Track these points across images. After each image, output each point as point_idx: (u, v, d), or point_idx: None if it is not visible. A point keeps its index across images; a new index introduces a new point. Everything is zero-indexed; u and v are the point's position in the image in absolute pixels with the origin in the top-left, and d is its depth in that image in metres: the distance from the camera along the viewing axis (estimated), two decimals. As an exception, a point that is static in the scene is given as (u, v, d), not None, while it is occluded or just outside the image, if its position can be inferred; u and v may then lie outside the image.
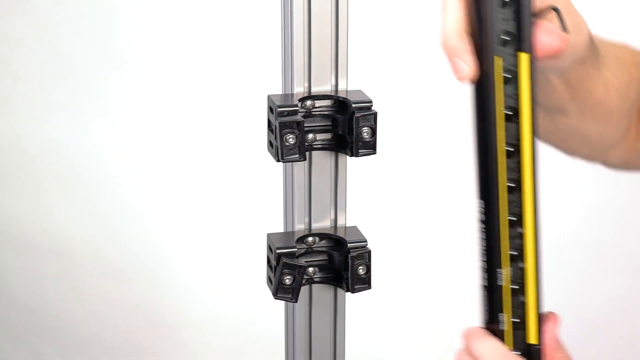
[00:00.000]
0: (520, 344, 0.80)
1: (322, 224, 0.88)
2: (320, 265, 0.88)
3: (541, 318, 0.80)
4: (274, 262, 0.85)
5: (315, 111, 0.84)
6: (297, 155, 0.81)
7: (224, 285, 2.22)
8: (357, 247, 0.86)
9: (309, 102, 0.84)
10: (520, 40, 0.75)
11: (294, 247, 0.85)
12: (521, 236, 0.78)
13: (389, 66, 1.95)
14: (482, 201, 0.78)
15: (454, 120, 1.96)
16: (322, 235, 0.87)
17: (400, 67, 1.96)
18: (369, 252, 0.86)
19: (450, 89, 1.95)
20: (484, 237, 0.79)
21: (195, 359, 2.30)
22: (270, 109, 0.83)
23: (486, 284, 0.79)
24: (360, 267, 0.86)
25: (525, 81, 0.76)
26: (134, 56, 2.17)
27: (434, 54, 1.98)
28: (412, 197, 2.01)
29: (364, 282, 0.87)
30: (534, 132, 0.77)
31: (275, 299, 0.86)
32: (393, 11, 1.90)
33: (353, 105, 0.82)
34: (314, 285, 0.88)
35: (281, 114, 0.81)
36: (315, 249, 0.88)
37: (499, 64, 0.75)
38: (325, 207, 0.87)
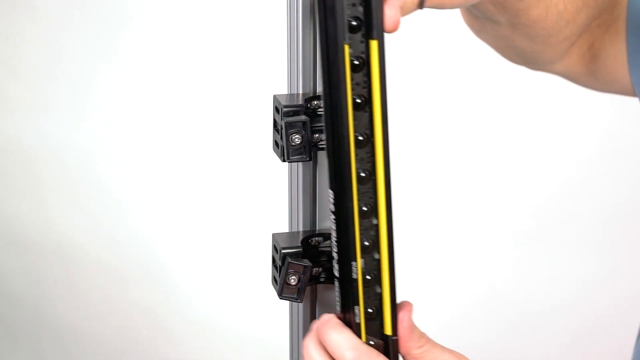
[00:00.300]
0: (376, 335, 0.78)
1: (327, 224, 0.88)
2: (326, 265, 0.88)
3: (397, 308, 0.78)
4: (279, 262, 0.85)
5: (320, 111, 0.84)
6: (303, 155, 0.81)
7: (228, 285, 2.22)
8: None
9: (315, 102, 0.84)
10: (368, 26, 0.72)
11: (299, 247, 0.85)
12: (375, 227, 0.76)
13: (393, 66, 1.95)
14: (333, 192, 0.76)
15: (459, 120, 1.96)
16: (327, 236, 0.87)
17: (404, 68, 1.95)
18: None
19: (455, 90, 1.95)
20: (336, 229, 0.76)
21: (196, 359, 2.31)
22: (276, 109, 0.83)
23: (340, 277, 0.77)
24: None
25: (376, 69, 0.73)
26: (137, 57, 2.17)
27: (440, 55, 1.98)
28: (418, 197, 2.01)
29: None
30: (386, 121, 0.74)
31: (280, 299, 0.85)
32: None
33: (359, 105, 0.82)
34: (319, 285, 0.88)
35: (287, 114, 0.81)
36: (320, 249, 0.87)
37: (347, 52, 0.72)
38: (330, 207, 0.87)
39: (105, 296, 2.34)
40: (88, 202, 2.30)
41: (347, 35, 0.72)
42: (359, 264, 0.76)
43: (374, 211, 0.76)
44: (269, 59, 1.94)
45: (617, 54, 1.04)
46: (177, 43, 2.14)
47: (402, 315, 0.78)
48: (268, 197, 2.06)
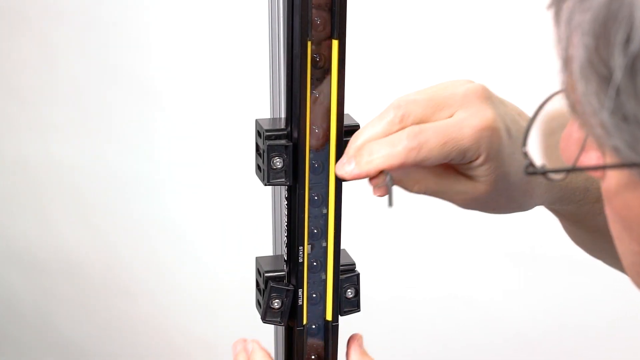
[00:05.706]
0: (317, 319, 0.85)
1: (310, 247, 0.87)
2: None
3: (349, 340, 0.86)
4: (262, 286, 0.85)
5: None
6: (283, 179, 0.81)
7: (232, 305, 2.22)
8: (345, 270, 0.86)
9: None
10: (332, 27, 0.77)
11: (283, 270, 0.85)
12: (324, 216, 0.82)
13: (376, 87, 1.96)
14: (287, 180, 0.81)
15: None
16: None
17: (389, 87, 1.96)
18: (358, 275, 0.86)
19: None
20: (288, 215, 0.82)
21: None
22: (259, 133, 0.83)
23: (287, 260, 0.84)
24: (349, 290, 0.86)
25: (335, 67, 0.79)
26: (134, 77, 2.18)
27: (424, 79, 1.97)
28: (402, 220, 2.01)
29: (353, 305, 0.87)
30: (341, 118, 0.80)
31: (264, 322, 0.86)
32: (383, 31, 1.91)
33: (340, 128, 0.82)
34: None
35: (269, 138, 0.81)
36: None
37: (310, 47, 0.78)
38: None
39: (112, 313, 2.35)
40: (93, 219, 2.31)
41: (311, 32, 0.77)
42: (305, 248, 0.82)
43: (324, 201, 0.82)
44: (251, 83, 1.94)
45: None
46: (166, 67, 2.14)
47: (353, 345, 0.85)
48: (252, 221, 2.07)
